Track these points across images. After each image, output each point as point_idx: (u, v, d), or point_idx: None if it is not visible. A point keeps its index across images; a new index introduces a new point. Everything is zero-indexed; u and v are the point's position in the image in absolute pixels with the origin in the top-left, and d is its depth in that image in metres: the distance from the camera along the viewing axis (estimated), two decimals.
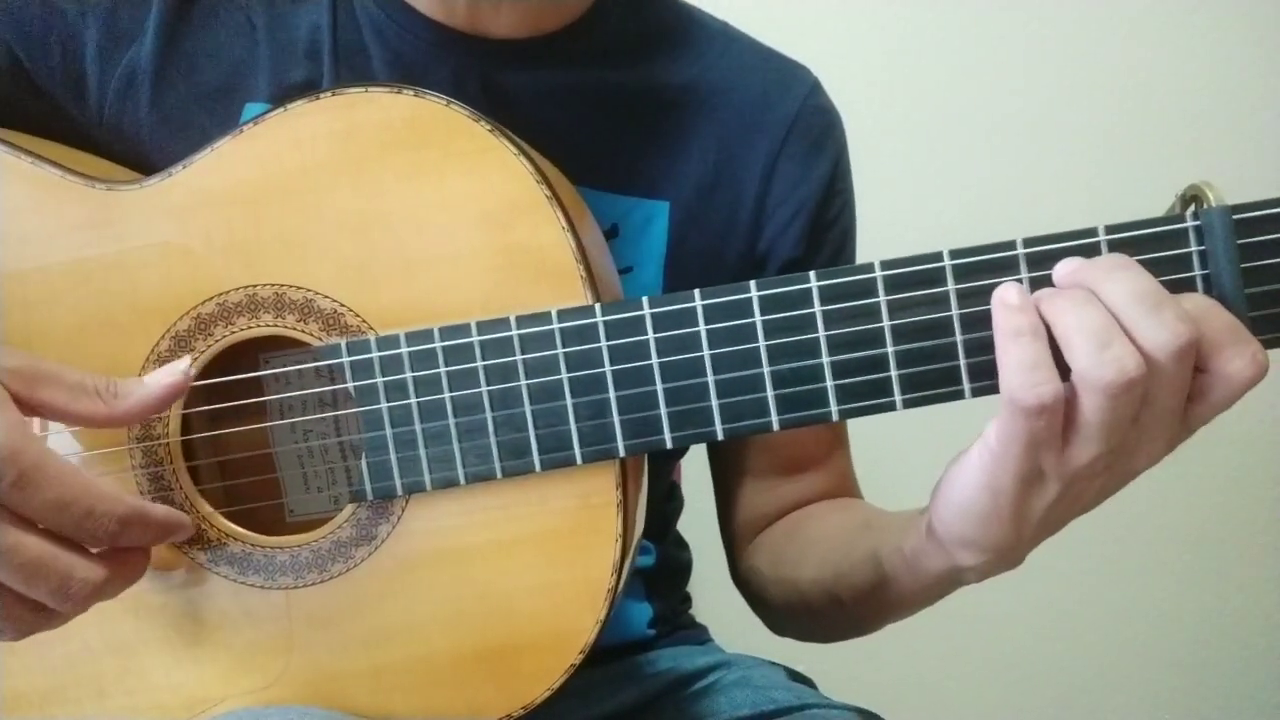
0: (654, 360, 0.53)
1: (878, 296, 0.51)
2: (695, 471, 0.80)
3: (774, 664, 0.76)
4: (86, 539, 0.47)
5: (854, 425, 0.72)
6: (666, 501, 0.80)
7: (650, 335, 0.53)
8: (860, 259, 0.76)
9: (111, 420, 0.50)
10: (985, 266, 0.51)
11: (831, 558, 0.66)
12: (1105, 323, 0.46)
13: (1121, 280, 0.47)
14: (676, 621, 0.79)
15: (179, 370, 0.52)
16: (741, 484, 0.76)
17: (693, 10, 0.74)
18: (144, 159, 0.65)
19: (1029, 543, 0.52)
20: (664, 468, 0.77)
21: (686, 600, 0.82)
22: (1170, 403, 0.47)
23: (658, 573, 0.76)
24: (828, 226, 0.72)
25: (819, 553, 0.68)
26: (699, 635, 0.80)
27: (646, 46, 0.70)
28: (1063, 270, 0.49)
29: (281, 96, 0.65)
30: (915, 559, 0.56)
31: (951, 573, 0.54)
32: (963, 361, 0.51)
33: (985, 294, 0.50)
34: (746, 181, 0.70)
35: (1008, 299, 0.48)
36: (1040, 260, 0.50)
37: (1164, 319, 0.46)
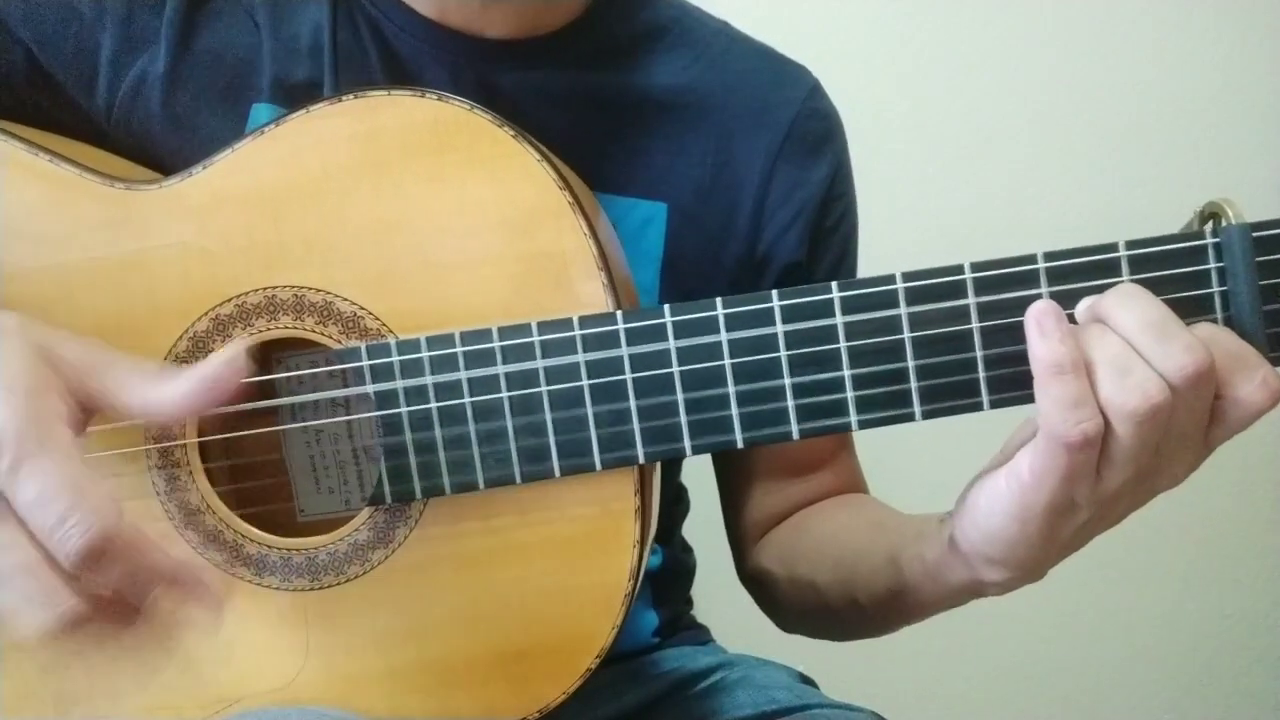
0: (675, 368, 0.53)
1: (899, 308, 0.52)
2: (694, 472, 0.80)
3: (776, 664, 0.76)
4: (54, 549, 0.43)
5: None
6: (674, 504, 0.80)
7: (671, 343, 0.53)
8: (862, 262, 0.77)
9: (163, 406, 0.48)
10: (1006, 280, 0.51)
11: (847, 559, 0.66)
12: (1122, 351, 0.47)
13: (1131, 309, 0.48)
14: (679, 623, 0.79)
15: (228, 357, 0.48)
16: (748, 485, 0.76)
17: (692, 10, 0.74)
18: (154, 159, 0.65)
19: (1055, 561, 0.52)
20: (672, 469, 0.77)
21: (689, 602, 0.83)
22: (1189, 428, 0.48)
23: (664, 576, 0.76)
24: (829, 231, 0.72)
25: (833, 553, 0.68)
26: (700, 636, 0.80)
27: (644, 47, 0.70)
28: (1080, 308, 0.50)
29: (285, 96, 0.65)
30: (938, 570, 0.56)
31: (974, 585, 0.55)
32: (982, 374, 0.52)
33: (1006, 307, 0.51)
34: (745, 183, 0.70)
35: (1045, 327, 0.48)
36: (1061, 275, 0.51)
37: (1172, 347, 0.47)
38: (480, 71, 0.66)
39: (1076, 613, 1.31)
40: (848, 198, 0.74)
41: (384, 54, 0.66)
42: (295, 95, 0.64)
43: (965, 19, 1.23)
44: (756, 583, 0.76)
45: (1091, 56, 1.24)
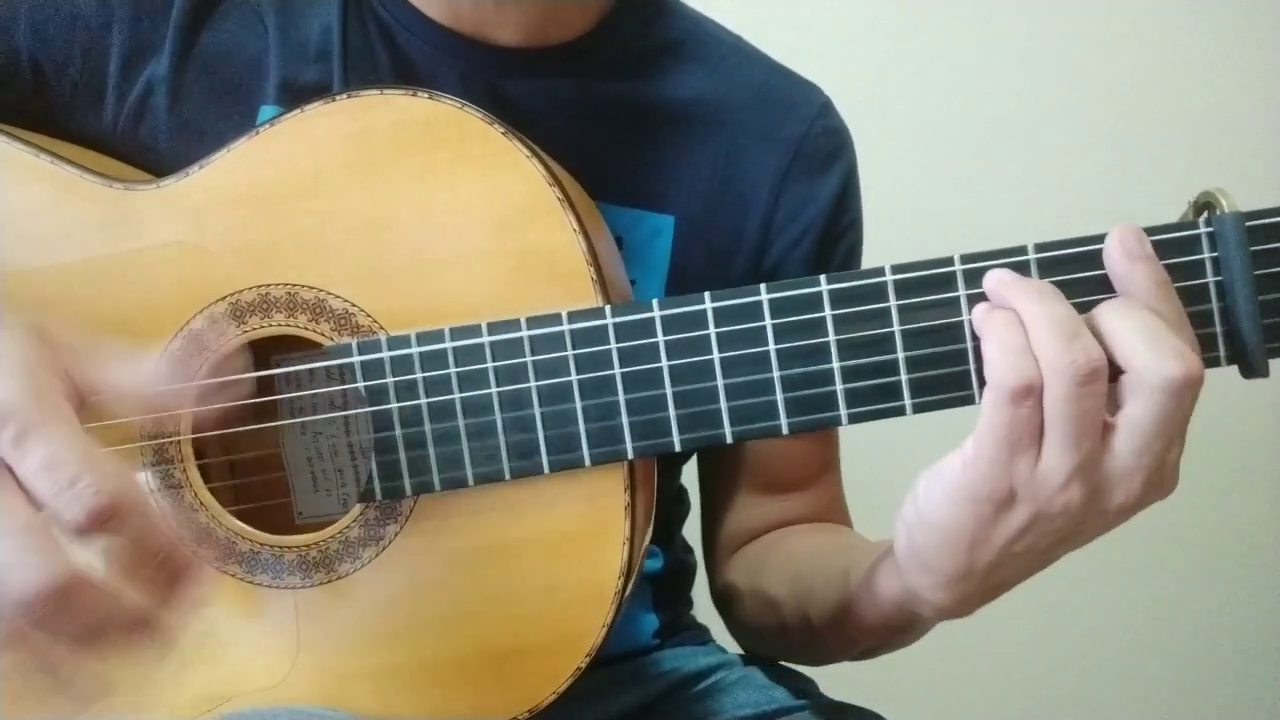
0: (664, 362, 0.53)
1: (888, 300, 0.51)
2: (695, 473, 0.80)
3: (775, 664, 0.76)
4: (62, 510, 0.42)
5: (846, 434, 0.72)
6: (674, 505, 0.80)
7: (660, 337, 0.53)
8: (867, 263, 0.76)
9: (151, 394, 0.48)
10: None
11: (806, 575, 0.65)
12: (1066, 314, 0.47)
13: (1041, 304, 0.48)
14: (679, 623, 0.79)
15: None
16: (728, 499, 0.76)
17: (705, 23, 0.74)
18: (161, 163, 0.64)
19: (981, 577, 0.50)
20: (672, 471, 0.77)
21: (689, 602, 0.82)
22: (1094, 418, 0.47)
23: (666, 578, 0.76)
24: (836, 247, 0.72)
25: (795, 568, 0.68)
26: (700, 636, 0.80)
27: (656, 59, 0.70)
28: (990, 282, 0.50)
29: (293, 98, 0.64)
30: (873, 577, 0.56)
31: (905, 599, 0.54)
32: (973, 366, 0.51)
33: None
34: (754, 199, 0.70)
35: (989, 290, 0.50)
36: (1051, 265, 0.50)
37: (1074, 345, 0.46)
38: (491, 78, 0.66)
39: (1076, 613, 1.30)
40: (854, 213, 0.74)
41: (395, 58, 0.66)
42: (303, 98, 0.63)
43: (965, 19, 1.23)
44: (723, 599, 0.76)
45: (1091, 56, 1.23)
